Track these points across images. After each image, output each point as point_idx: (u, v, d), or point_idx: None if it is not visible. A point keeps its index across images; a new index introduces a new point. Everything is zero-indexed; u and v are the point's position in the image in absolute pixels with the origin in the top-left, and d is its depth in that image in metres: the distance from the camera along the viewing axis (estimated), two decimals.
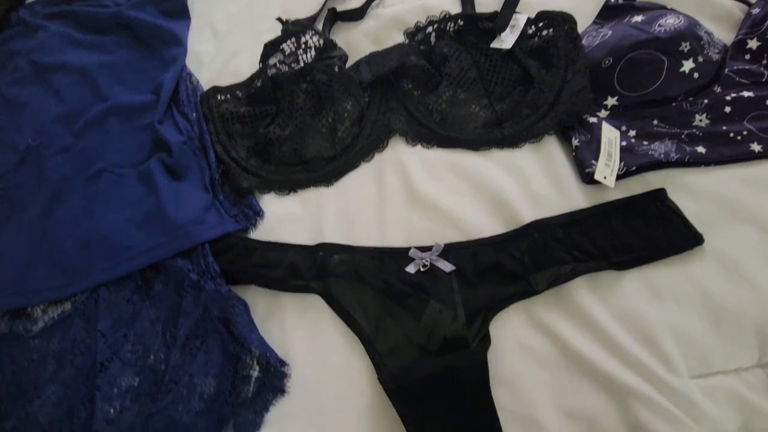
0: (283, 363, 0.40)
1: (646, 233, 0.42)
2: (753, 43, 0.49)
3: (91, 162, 0.52)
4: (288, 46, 0.55)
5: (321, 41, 0.54)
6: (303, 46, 0.54)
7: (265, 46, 0.54)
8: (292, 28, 0.55)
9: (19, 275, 0.46)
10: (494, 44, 0.54)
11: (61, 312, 0.44)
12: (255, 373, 0.40)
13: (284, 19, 0.57)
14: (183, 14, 0.62)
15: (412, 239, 0.45)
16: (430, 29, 0.54)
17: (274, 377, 0.40)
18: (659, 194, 0.43)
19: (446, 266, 0.42)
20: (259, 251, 0.44)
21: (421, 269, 0.42)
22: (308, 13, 0.61)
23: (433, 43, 0.55)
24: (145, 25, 0.60)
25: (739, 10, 0.53)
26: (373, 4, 0.60)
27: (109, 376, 0.40)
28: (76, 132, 0.54)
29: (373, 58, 0.55)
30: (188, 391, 0.39)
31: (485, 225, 0.45)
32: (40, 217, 0.49)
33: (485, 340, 0.39)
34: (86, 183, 0.51)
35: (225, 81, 0.57)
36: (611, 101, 0.49)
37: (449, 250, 0.43)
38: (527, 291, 0.40)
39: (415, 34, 0.55)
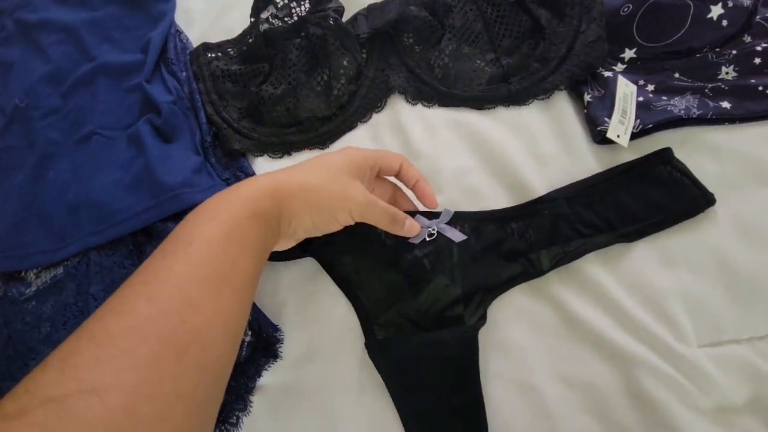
0: (275, 328, 0.40)
1: (653, 199, 0.39)
2: None
3: (79, 124, 0.50)
4: None
5: None
6: None
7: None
8: None
9: (11, 238, 0.45)
10: None
11: (53, 276, 0.43)
12: (247, 338, 0.40)
13: None
14: None
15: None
16: None
17: (266, 342, 0.39)
18: (664, 154, 0.40)
19: (457, 236, 0.40)
20: None
21: (427, 238, 0.40)
22: None
23: None
24: None
25: None
26: None
27: None
28: (64, 93, 0.52)
29: (371, 10, 0.51)
30: None
31: (488, 188, 0.43)
32: (30, 180, 0.48)
33: (481, 320, 0.38)
34: (75, 146, 0.49)
35: (216, 38, 0.54)
36: (629, 53, 0.45)
37: (456, 219, 0.40)
38: (530, 272, 0.38)
39: None
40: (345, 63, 0.48)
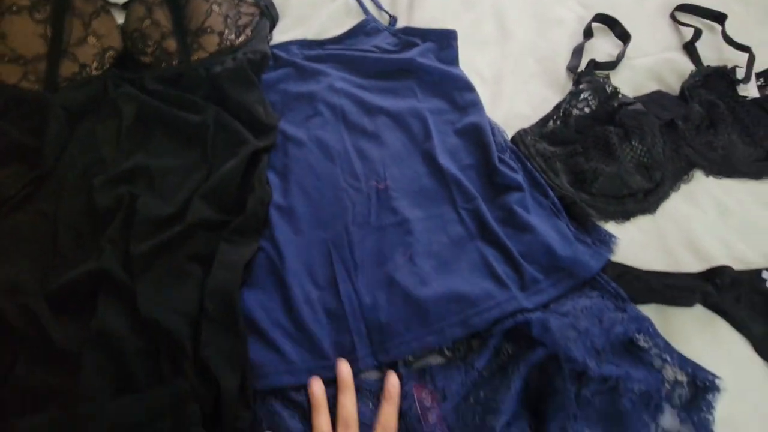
0: (703, 369, 0.47)
1: None
2: None
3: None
4: (582, 92, 0.63)
5: (611, 88, 0.63)
6: (594, 92, 0.63)
7: (570, 93, 0.62)
8: (585, 78, 0.64)
9: None
10: (742, 92, 0.66)
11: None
12: (683, 378, 0.47)
13: (576, 70, 0.65)
14: (455, 62, 0.67)
15: (733, 256, 0.55)
16: (695, 80, 0.66)
17: (703, 380, 0.46)
18: None
19: None
20: (652, 278, 0.51)
21: None
22: (565, 63, 0.70)
23: (687, 93, 0.66)
24: (434, 71, 0.64)
25: None
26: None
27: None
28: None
29: (647, 104, 0.65)
30: (623, 381, 0.45)
31: None
32: (408, 263, 0.51)
33: None
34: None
35: (514, 124, 0.63)
36: None
37: None
38: None
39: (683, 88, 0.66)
40: (656, 145, 0.60)
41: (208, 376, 0.42)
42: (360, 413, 0.43)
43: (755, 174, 0.61)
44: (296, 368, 0.44)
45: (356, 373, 0.45)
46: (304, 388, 0.44)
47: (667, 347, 0.47)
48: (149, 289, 0.46)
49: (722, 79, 0.67)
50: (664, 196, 0.59)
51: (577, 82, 0.65)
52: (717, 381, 0.46)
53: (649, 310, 0.50)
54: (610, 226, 0.56)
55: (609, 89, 0.63)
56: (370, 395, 0.45)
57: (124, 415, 0.40)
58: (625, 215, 0.58)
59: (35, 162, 0.54)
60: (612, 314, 0.48)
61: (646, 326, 0.48)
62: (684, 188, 0.60)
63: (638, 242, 0.56)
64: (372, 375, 0.46)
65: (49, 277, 0.47)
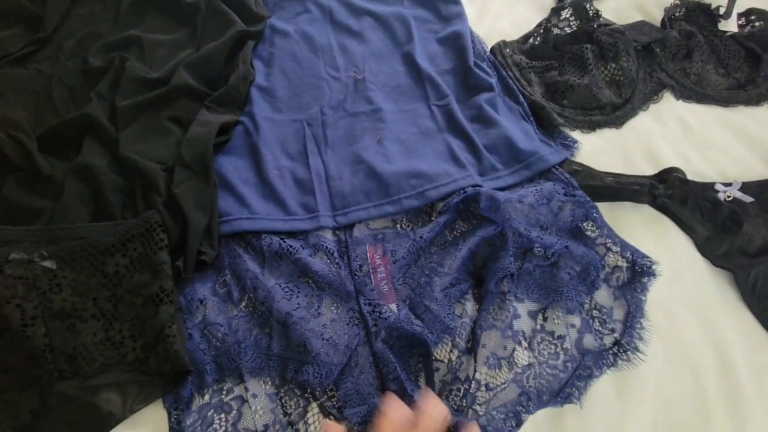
0: (643, 254, 0.50)
1: None
2: None
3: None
4: (564, 13, 0.65)
5: (593, 10, 0.65)
6: (576, 12, 0.65)
7: (552, 9, 0.64)
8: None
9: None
10: (722, 27, 0.67)
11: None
12: (623, 264, 0.49)
13: None
14: None
15: (691, 170, 0.57)
16: (677, 10, 0.67)
17: (642, 265, 0.49)
18: None
19: (746, 198, 0.54)
20: (606, 176, 0.53)
21: (727, 199, 0.54)
22: None
23: (668, 21, 0.68)
24: None
25: None
26: None
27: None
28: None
29: (628, 29, 0.66)
30: (564, 258, 0.48)
31: (749, 160, 0.58)
32: (377, 145, 0.54)
33: None
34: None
35: (496, 40, 0.66)
36: None
37: (744, 187, 0.54)
38: None
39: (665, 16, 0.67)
40: (628, 64, 0.62)
41: (178, 213, 0.46)
42: (316, 267, 0.47)
43: (724, 100, 0.63)
44: (259, 218, 0.48)
45: (316, 229, 0.49)
46: (266, 235, 0.47)
47: (611, 233, 0.50)
48: (131, 137, 0.49)
49: (704, 14, 0.68)
50: (632, 112, 0.61)
51: (560, 1, 0.67)
52: (654, 266, 0.49)
53: (600, 208, 0.52)
54: (576, 134, 0.59)
55: (591, 11, 0.65)
56: (327, 252, 0.49)
57: (99, 236, 0.44)
58: (591, 126, 0.60)
59: (36, 28, 0.57)
60: (561, 197, 0.50)
61: (592, 213, 0.51)
62: (652, 107, 0.62)
63: (600, 149, 0.58)
64: (329, 235, 0.50)
65: (41, 123, 0.51)
